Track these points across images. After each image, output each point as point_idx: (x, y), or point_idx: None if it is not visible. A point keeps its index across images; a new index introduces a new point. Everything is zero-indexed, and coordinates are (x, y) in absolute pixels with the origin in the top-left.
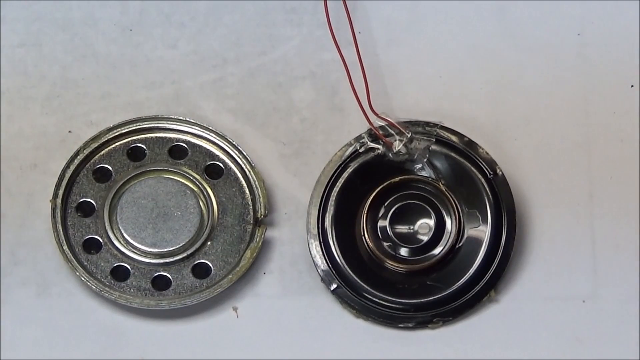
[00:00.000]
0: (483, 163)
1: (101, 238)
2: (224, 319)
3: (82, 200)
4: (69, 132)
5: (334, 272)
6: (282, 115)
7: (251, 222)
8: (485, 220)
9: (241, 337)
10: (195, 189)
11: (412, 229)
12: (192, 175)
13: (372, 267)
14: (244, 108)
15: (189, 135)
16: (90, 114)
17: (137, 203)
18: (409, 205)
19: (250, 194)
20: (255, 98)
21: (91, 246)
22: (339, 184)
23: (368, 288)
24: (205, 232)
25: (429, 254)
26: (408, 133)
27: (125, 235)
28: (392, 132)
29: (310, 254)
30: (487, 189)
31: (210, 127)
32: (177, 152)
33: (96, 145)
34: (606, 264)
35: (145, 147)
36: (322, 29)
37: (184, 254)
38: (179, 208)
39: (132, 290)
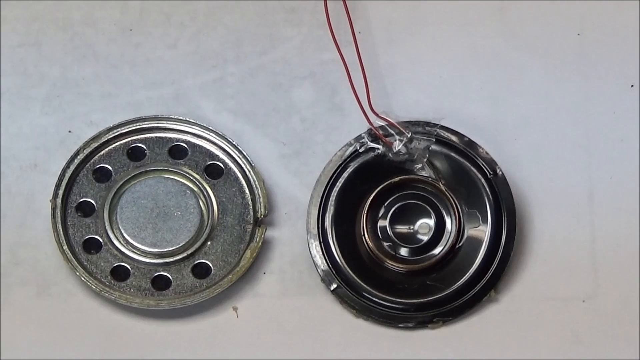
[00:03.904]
0: (483, 163)
1: (101, 238)
2: (224, 319)
3: (82, 200)
4: (69, 132)
5: (334, 272)
6: (282, 115)
7: (251, 222)
8: (485, 220)
9: (241, 337)
10: (195, 189)
11: (412, 229)
12: (192, 175)
13: (372, 267)
14: (244, 108)
15: (189, 135)
16: (90, 114)
17: (137, 203)
18: (409, 205)
19: (250, 194)
20: (255, 98)
21: (91, 246)
22: (339, 184)
23: (368, 288)
24: (205, 232)
25: (429, 254)
26: (408, 133)
27: (125, 235)
28: (392, 132)
29: (310, 254)
30: (487, 189)
31: (210, 127)
32: (177, 152)
33: (96, 145)
34: (606, 264)
35: (145, 147)
36: (322, 29)
37: (184, 254)
38: (179, 208)
39: (132, 290)
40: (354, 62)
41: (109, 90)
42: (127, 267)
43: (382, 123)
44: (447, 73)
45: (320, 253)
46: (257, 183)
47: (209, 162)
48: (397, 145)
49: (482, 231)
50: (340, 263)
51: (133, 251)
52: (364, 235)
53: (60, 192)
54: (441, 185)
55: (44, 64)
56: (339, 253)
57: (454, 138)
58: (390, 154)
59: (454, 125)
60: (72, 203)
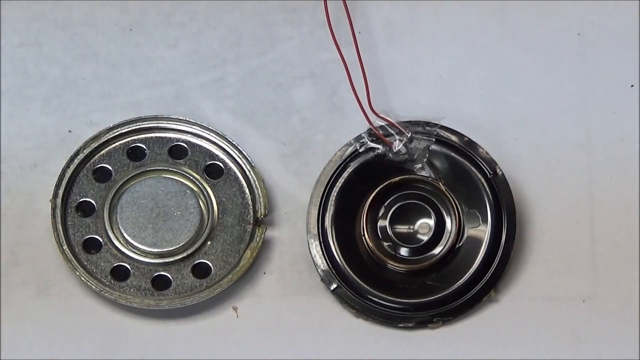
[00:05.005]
0: (483, 163)
1: (101, 238)
2: (224, 319)
3: (82, 200)
4: (69, 132)
5: (334, 272)
6: (282, 115)
7: (251, 222)
8: (485, 220)
9: (241, 337)
10: (195, 189)
11: (412, 228)
12: (192, 175)
13: (372, 267)
14: (244, 108)
15: (189, 135)
16: (90, 114)
17: (137, 203)
18: (409, 205)
19: (250, 193)
20: (255, 98)
21: (91, 246)
22: (339, 184)
23: (368, 288)
24: (205, 232)
25: (429, 253)
26: (408, 133)
27: (125, 235)
28: (392, 132)
29: (310, 254)
30: (487, 189)
31: (210, 127)
32: (177, 152)
33: (96, 145)
34: (606, 264)
35: (145, 147)
36: (322, 29)
37: (184, 254)
38: (179, 208)
39: (132, 290)
40: (354, 62)
41: (109, 90)
42: (127, 267)
43: (382, 123)
44: (447, 73)
45: (320, 253)
46: (257, 183)
47: (209, 162)
48: (397, 145)
49: (482, 231)
50: (340, 263)
51: (133, 251)
52: (364, 235)
53: (60, 192)
54: (441, 185)
55: (44, 64)
56: (339, 253)
57: (454, 138)
58: (390, 154)
59: (454, 125)
60: (72, 203)
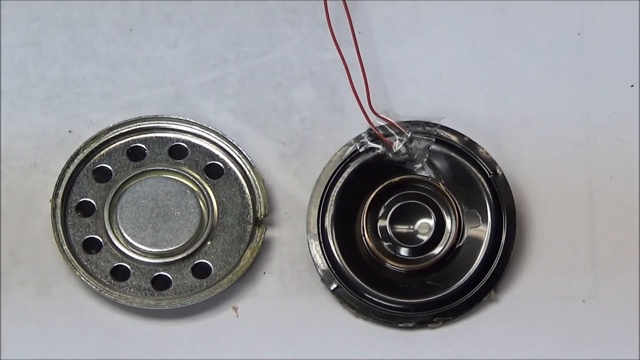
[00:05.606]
0: (483, 163)
1: (101, 238)
2: (224, 319)
3: (82, 200)
4: (69, 132)
5: (334, 272)
6: (282, 115)
7: (251, 222)
8: (485, 220)
9: (241, 337)
10: (195, 189)
11: (412, 228)
12: (192, 175)
13: (372, 267)
14: (244, 108)
15: (189, 135)
16: (90, 114)
17: (137, 203)
18: (409, 205)
19: (250, 193)
20: (255, 98)
21: (91, 246)
22: (339, 184)
23: (368, 288)
24: (205, 232)
25: (429, 253)
26: (408, 133)
27: (125, 235)
28: (392, 132)
29: (310, 253)
30: (487, 189)
31: (210, 127)
32: (177, 152)
33: (96, 145)
34: (606, 264)
35: (145, 147)
36: (322, 29)
37: (184, 254)
38: (179, 208)
39: (132, 290)
40: (354, 62)
41: (109, 90)
42: (127, 267)
43: (382, 123)
44: (447, 73)
45: (320, 253)
46: (257, 183)
47: (209, 162)
48: (397, 145)
49: (482, 231)
50: (340, 263)
51: (133, 251)
52: (364, 235)
53: (60, 192)
54: (441, 185)
55: (44, 64)
56: (339, 253)
57: (454, 138)
58: (390, 154)
59: (454, 125)
60: (72, 203)
